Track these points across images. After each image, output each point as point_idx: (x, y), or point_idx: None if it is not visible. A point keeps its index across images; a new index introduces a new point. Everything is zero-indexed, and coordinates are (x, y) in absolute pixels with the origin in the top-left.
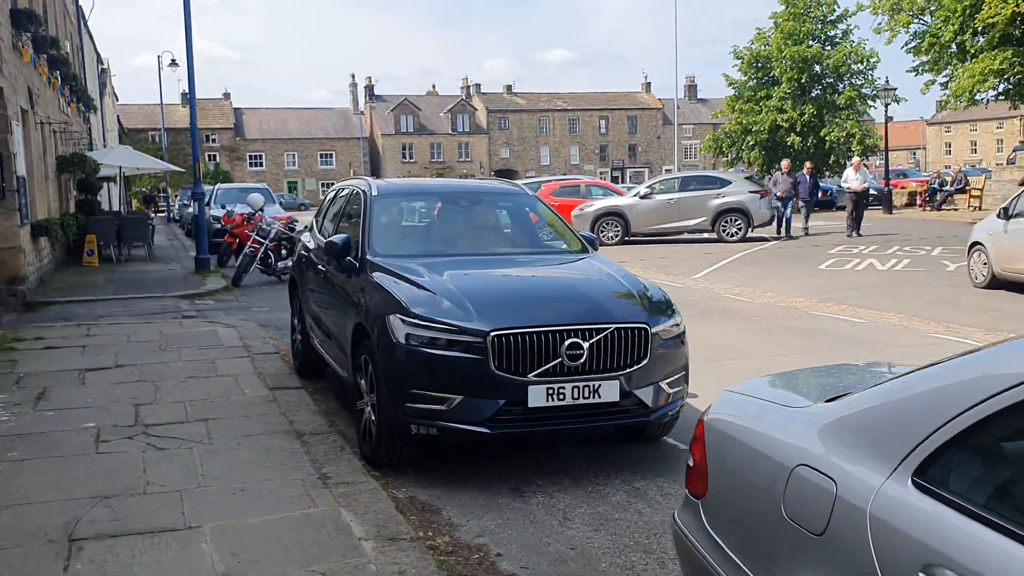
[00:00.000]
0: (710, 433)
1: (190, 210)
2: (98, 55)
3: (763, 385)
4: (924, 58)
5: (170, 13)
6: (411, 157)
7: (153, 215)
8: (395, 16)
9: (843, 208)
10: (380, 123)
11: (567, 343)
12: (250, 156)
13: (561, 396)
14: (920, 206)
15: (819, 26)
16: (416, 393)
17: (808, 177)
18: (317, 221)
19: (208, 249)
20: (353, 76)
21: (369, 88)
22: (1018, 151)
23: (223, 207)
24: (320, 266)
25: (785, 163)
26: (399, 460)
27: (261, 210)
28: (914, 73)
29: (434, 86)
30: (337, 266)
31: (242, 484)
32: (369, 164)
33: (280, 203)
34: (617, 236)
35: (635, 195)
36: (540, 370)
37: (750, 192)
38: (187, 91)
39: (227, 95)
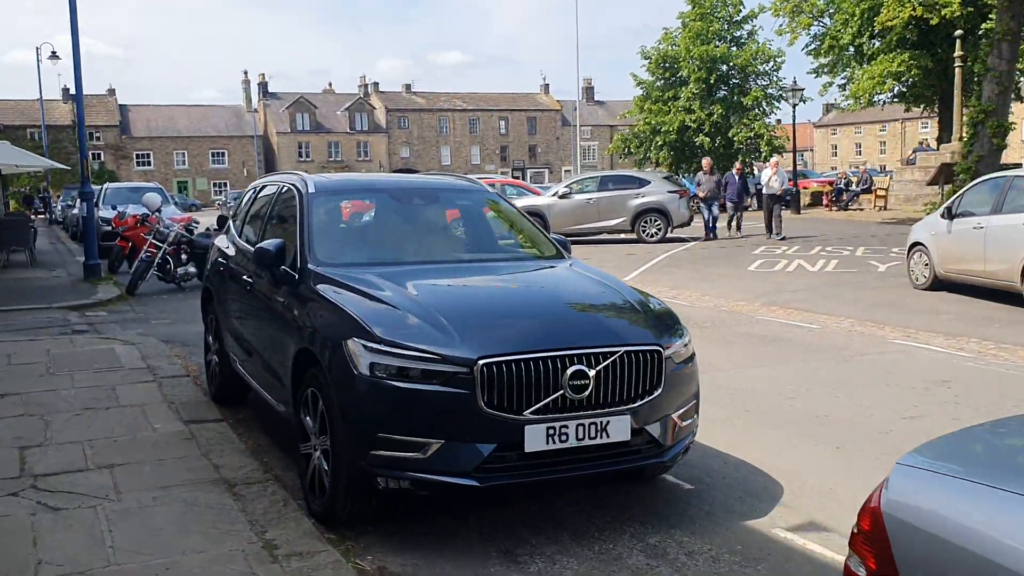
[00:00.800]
0: (895, 529)
1: (75, 211)
2: None
3: (954, 452)
4: (823, 60)
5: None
6: (308, 156)
7: (33, 217)
8: (285, 15)
9: (758, 209)
10: (275, 121)
11: (570, 371)
12: (137, 155)
13: (564, 437)
14: (827, 206)
15: (726, 26)
16: (384, 438)
17: (737, 178)
18: (235, 223)
19: (98, 254)
20: (246, 72)
21: (263, 85)
22: (918, 152)
23: (113, 208)
24: (245, 276)
25: (706, 162)
26: (359, 518)
27: (158, 211)
28: (814, 75)
29: (331, 84)
30: (270, 278)
31: (166, 559)
32: (264, 163)
33: (176, 204)
34: None
35: (553, 195)
36: (538, 405)
37: (669, 192)
38: (68, 87)
39: (112, 91)
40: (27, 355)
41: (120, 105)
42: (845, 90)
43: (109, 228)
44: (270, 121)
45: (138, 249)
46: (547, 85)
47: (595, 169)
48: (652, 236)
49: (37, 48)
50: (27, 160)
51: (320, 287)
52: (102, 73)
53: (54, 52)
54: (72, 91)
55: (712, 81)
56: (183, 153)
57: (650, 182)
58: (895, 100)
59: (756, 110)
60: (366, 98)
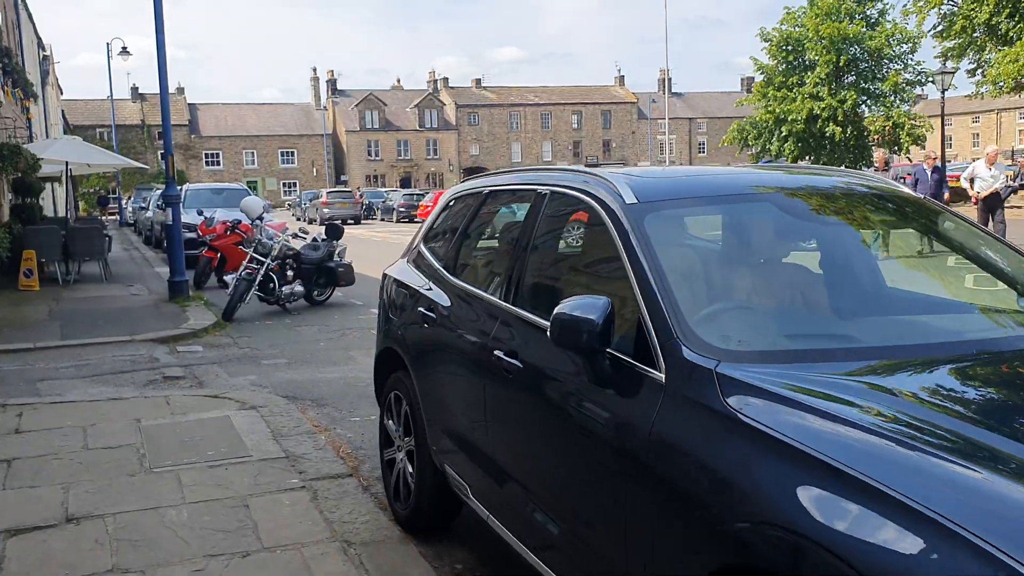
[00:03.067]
0: None
1: (149, 214)
2: (39, 39)
3: None
4: (953, 42)
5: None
6: (377, 155)
7: (107, 220)
8: (338, 16)
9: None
10: (344, 119)
11: None
12: (206, 154)
13: None
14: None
15: (855, 4)
16: None
17: (930, 173)
18: (432, 250)
19: (184, 268)
20: (315, 70)
21: (331, 82)
22: None
23: (199, 213)
24: (498, 351)
25: (879, 155)
26: None
27: (260, 219)
28: (942, 59)
29: (399, 80)
30: (585, 371)
31: None
32: (333, 162)
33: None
34: None
35: None
36: None
37: None
38: (136, 86)
39: (181, 90)
40: (110, 430)
41: (189, 104)
42: (974, 76)
43: (193, 235)
44: (339, 119)
45: (227, 260)
46: (622, 77)
47: (674, 165)
48: None
49: (107, 44)
50: (101, 158)
51: (749, 414)
52: (168, 74)
53: (124, 48)
54: (141, 91)
55: (843, 64)
56: (252, 152)
57: None
58: None
59: (893, 96)
60: (435, 94)
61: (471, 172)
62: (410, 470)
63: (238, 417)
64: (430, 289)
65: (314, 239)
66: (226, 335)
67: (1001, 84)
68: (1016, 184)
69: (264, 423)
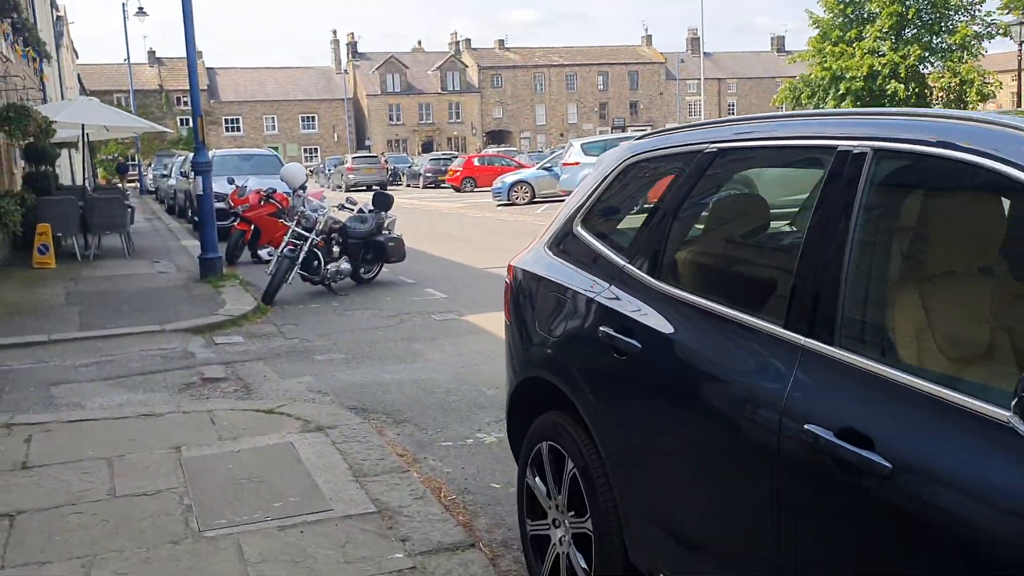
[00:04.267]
0: None
1: (171, 182)
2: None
3: None
4: None
5: None
6: (399, 119)
7: (128, 188)
8: None
9: None
10: (365, 83)
11: None
12: (226, 120)
13: None
14: None
15: None
16: None
17: None
18: (609, 236)
19: (217, 243)
20: (335, 32)
21: (352, 45)
22: None
23: (231, 182)
24: (830, 436)
25: None
26: None
27: (302, 188)
28: (1004, 10)
29: (420, 43)
30: None
31: None
32: (354, 127)
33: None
34: None
35: None
36: None
37: None
38: (154, 50)
39: (199, 53)
40: (143, 463)
41: (207, 68)
42: None
43: (224, 206)
44: (360, 83)
45: (261, 234)
46: (649, 36)
47: None
48: None
49: (123, 3)
50: (121, 120)
51: None
52: (182, 39)
53: (141, 8)
54: (158, 55)
55: (911, 15)
56: (272, 118)
57: None
58: None
59: (962, 50)
60: (457, 56)
61: (494, 136)
62: (582, 565)
63: (304, 444)
64: (616, 299)
65: (360, 210)
66: (269, 322)
67: None
68: None
69: (339, 454)
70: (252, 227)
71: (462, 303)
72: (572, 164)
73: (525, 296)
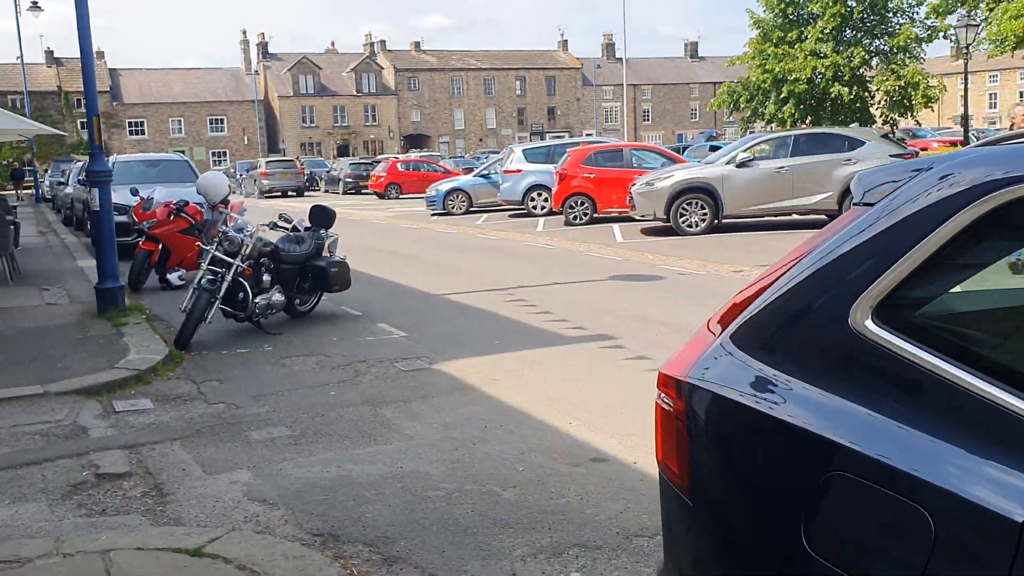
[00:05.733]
0: None
1: (68, 190)
2: None
3: None
4: None
5: None
6: (312, 122)
7: (15, 202)
8: None
9: None
10: (276, 84)
11: None
12: (130, 123)
13: None
14: None
15: None
16: None
17: None
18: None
19: (117, 268)
20: (244, 32)
21: (262, 46)
22: None
23: (134, 193)
24: None
25: (1020, 111)
26: None
27: (224, 203)
28: (933, 15)
29: (333, 43)
30: None
31: None
32: (265, 130)
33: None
34: (704, 221)
35: (726, 162)
36: None
37: (892, 157)
38: (51, 49)
39: (100, 54)
40: None
41: (110, 70)
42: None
43: (126, 220)
44: (271, 84)
45: (171, 254)
46: (565, 41)
47: (619, 133)
48: None
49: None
50: (11, 123)
51: None
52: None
53: (35, 2)
54: (57, 54)
55: (856, 16)
56: (179, 120)
57: (864, 142)
58: None
59: (904, 53)
60: (372, 58)
61: (412, 140)
62: None
63: None
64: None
65: (295, 227)
66: (185, 377)
67: (1002, 41)
68: None
69: None
70: (160, 246)
71: (429, 344)
72: (514, 172)
73: (744, 451)
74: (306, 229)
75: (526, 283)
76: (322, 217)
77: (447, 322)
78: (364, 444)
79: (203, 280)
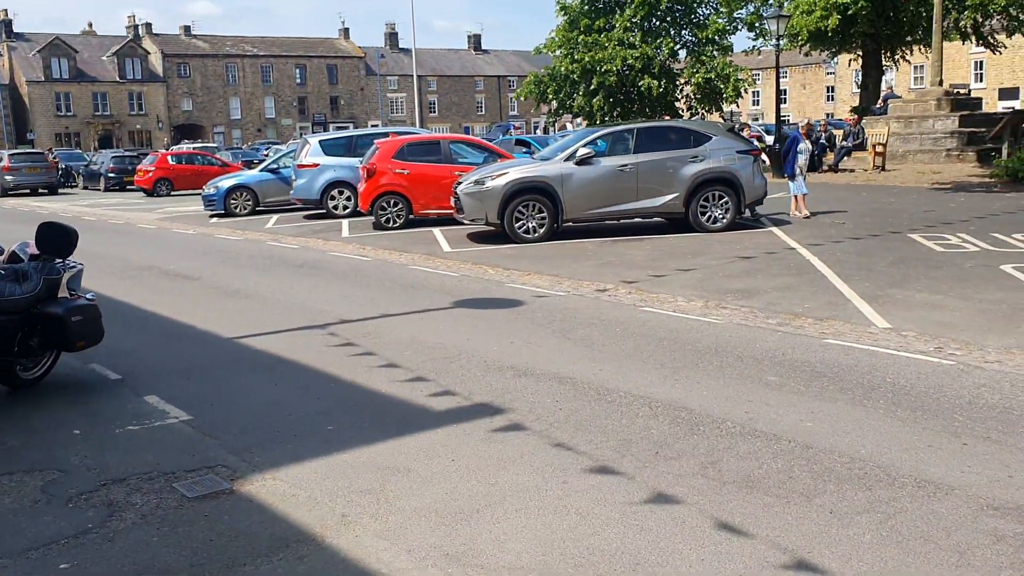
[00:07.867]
0: None
1: None
2: None
3: None
4: None
5: None
6: (69, 110)
7: None
8: None
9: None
10: (24, 67)
11: None
12: None
13: None
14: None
15: None
16: None
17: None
18: None
19: None
20: None
21: (6, 23)
22: (889, 100)
23: None
24: None
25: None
26: None
27: None
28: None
29: (91, 25)
30: None
31: None
32: (12, 118)
33: None
34: (543, 226)
35: (566, 159)
36: None
37: (739, 153)
38: None
39: None
40: None
41: None
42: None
43: None
44: (18, 67)
45: None
46: (347, 29)
47: (405, 124)
48: (715, 222)
49: None
50: None
51: None
52: None
53: None
54: None
55: (660, 6)
56: None
57: (711, 137)
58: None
59: (713, 45)
60: (137, 41)
61: (184, 130)
62: None
63: None
64: None
65: (13, 254)
66: None
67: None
68: (851, 145)
69: None
70: None
71: (225, 437)
72: (309, 166)
73: None
74: (31, 259)
75: (349, 316)
76: (56, 241)
77: (250, 390)
78: None
79: None
